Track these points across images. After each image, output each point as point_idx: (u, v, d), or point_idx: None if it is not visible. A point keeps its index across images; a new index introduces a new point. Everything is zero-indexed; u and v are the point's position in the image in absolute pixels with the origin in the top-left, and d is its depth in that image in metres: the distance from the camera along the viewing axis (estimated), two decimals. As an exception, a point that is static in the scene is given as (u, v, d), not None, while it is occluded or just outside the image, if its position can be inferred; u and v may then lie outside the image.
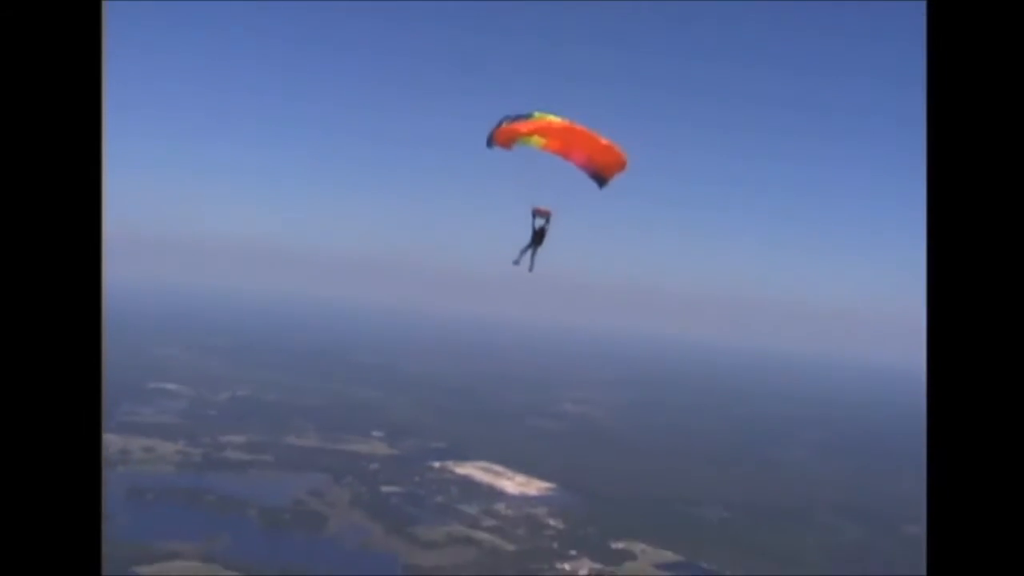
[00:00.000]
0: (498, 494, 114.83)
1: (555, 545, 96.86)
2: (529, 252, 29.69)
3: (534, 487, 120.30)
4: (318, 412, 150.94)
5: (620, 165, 28.27)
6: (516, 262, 29.89)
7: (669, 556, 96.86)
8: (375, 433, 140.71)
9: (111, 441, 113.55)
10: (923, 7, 13.74)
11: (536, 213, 29.19)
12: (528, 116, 27.79)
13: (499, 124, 28.13)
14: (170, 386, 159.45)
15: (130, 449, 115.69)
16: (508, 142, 28.05)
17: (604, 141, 28.01)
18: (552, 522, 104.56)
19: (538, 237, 29.49)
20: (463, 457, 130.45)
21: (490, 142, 28.28)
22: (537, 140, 27.88)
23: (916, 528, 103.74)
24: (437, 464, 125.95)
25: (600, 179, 28.74)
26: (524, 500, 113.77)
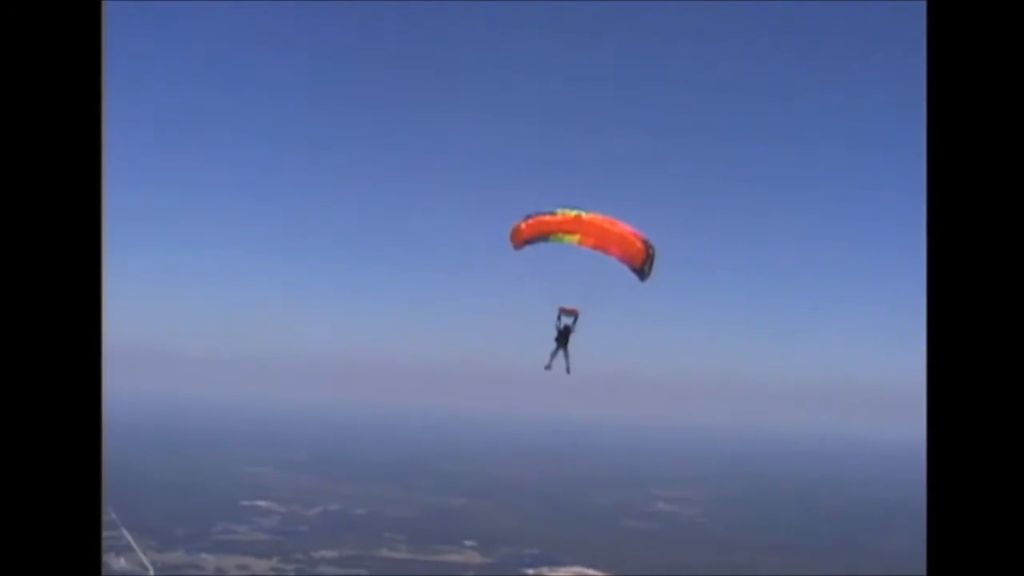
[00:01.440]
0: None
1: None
2: (561, 354, 29.06)
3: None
4: (408, 523, 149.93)
5: (641, 253, 27.52)
6: (548, 367, 29.18)
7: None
8: (467, 542, 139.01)
9: (207, 561, 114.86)
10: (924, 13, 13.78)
11: (562, 312, 28.67)
12: (551, 212, 27.74)
13: (524, 220, 27.87)
14: (262, 503, 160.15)
15: (224, 567, 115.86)
16: (534, 237, 27.89)
17: (630, 229, 27.72)
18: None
19: (563, 337, 28.87)
20: (557, 563, 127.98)
21: (517, 240, 28.24)
22: (571, 237, 27.67)
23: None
24: (532, 572, 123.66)
25: (637, 271, 27.99)
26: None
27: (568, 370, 29.09)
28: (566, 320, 28.84)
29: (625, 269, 28.10)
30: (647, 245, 27.72)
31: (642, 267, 27.83)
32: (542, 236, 27.89)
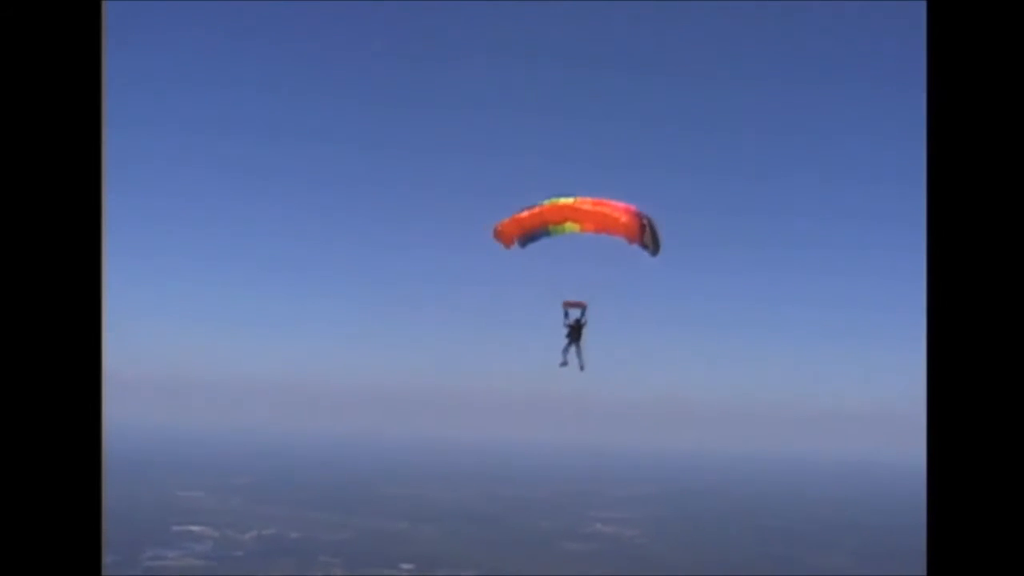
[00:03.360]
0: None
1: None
2: (573, 349, 28.06)
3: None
4: (345, 547, 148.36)
5: (635, 227, 26.27)
6: (563, 363, 28.11)
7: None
8: (404, 565, 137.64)
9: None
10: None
11: (568, 307, 27.83)
12: (540, 204, 26.67)
13: (514, 215, 26.94)
14: (195, 528, 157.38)
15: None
16: (532, 231, 26.83)
17: (621, 204, 26.58)
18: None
19: (575, 332, 27.90)
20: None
21: (509, 236, 27.03)
22: (572, 226, 26.68)
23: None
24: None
25: (643, 247, 26.83)
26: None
27: (582, 367, 28.15)
28: (575, 314, 28.02)
29: (629, 249, 27.01)
30: (640, 216, 26.70)
31: (643, 241, 26.82)
32: (541, 228, 27.08)
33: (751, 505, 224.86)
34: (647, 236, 26.66)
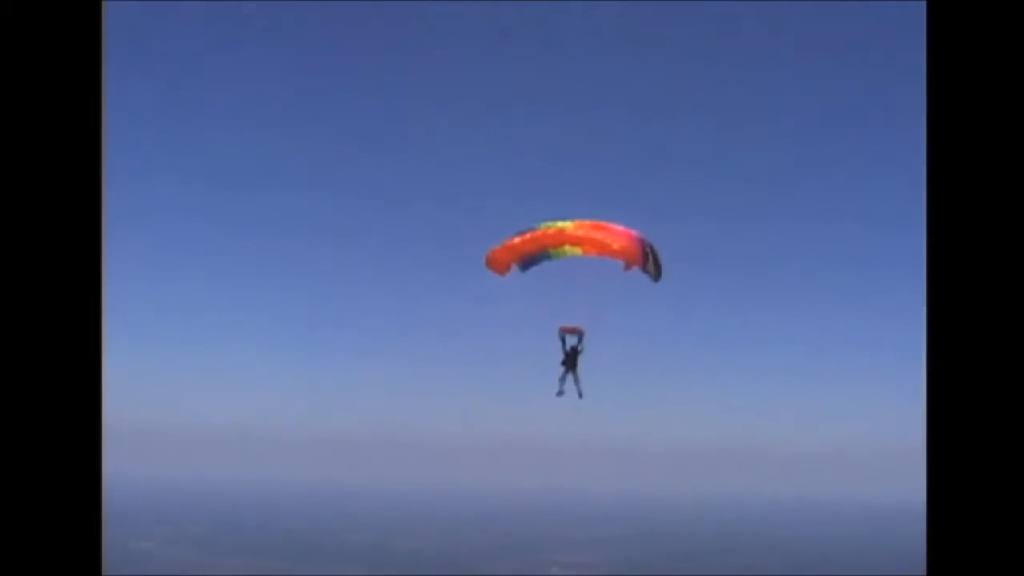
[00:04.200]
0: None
1: None
2: (570, 377, 27.35)
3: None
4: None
5: (638, 253, 25.69)
6: (560, 392, 27.36)
7: None
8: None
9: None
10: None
11: (564, 333, 27.12)
12: (538, 227, 25.91)
13: (511, 239, 26.04)
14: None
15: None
16: (532, 255, 26.05)
17: (622, 229, 25.97)
18: None
19: (571, 359, 27.22)
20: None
21: (505, 261, 26.25)
22: (573, 250, 25.88)
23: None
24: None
25: (645, 272, 26.31)
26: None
27: (580, 395, 27.43)
28: (571, 341, 27.41)
29: (627, 274, 26.43)
30: (642, 242, 26.21)
31: (646, 267, 26.29)
32: (540, 253, 26.36)
33: (716, 547, 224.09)
34: (650, 262, 26.32)
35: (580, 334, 27.22)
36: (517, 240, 26.16)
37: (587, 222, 26.12)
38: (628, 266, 26.27)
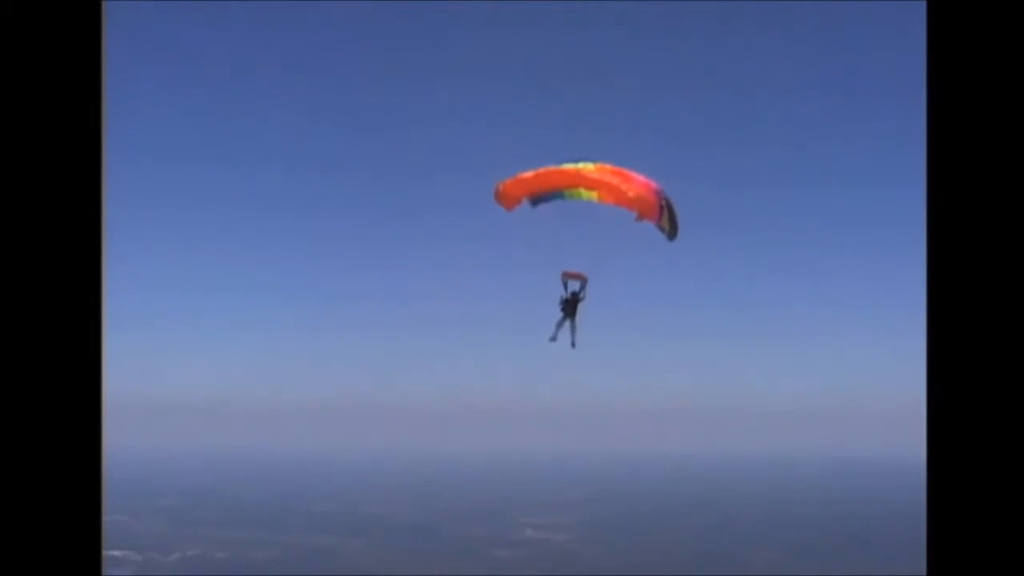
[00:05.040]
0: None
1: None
2: (567, 326, 26.38)
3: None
4: (273, 564, 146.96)
5: (655, 207, 24.51)
6: (553, 338, 26.39)
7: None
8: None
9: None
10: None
11: (567, 278, 26.08)
12: (558, 166, 24.49)
13: (521, 174, 24.75)
14: (117, 552, 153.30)
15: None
16: (543, 193, 24.75)
17: (643, 179, 24.69)
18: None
19: (571, 306, 26.24)
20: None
21: (515, 195, 25.11)
22: (589, 194, 24.64)
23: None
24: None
25: (659, 228, 25.24)
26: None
27: (573, 344, 26.28)
28: (572, 287, 26.27)
29: (642, 226, 25.19)
30: (659, 195, 24.82)
31: (660, 222, 25.06)
32: (554, 191, 24.93)
33: (682, 504, 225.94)
34: (665, 217, 25.19)
35: (583, 280, 26.24)
36: (531, 174, 24.88)
37: (608, 166, 24.80)
38: (640, 217, 25.16)
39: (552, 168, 24.85)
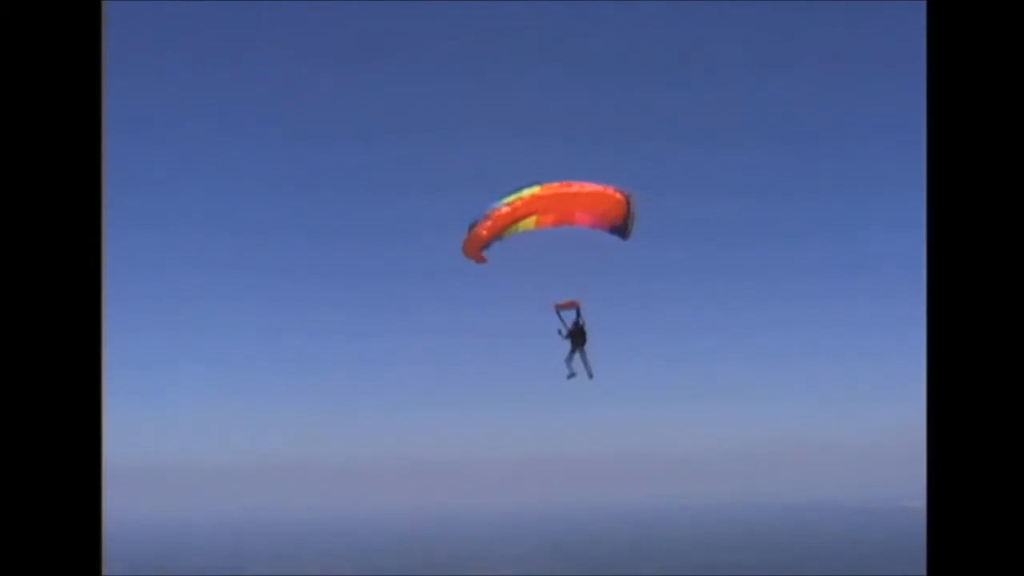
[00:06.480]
0: None
1: None
2: (577, 357, 25.53)
3: None
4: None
5: (621, 206, 23.97)
6: (571, 375, 25.48)
7: None
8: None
9: None
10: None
11: (559, 310, 25.36)
12: (497, 208, 23.74)
13: (475, 226, 23.99)
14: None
15: None
16: (492, 240, 24.02)
17: (594, 186, 24.01)
18: None
19: (579, 336, 25.44)
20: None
21: (475, 249, 24.28)
22: (526, 223, 23.91)
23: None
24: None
25: (619, 229, 24.58)
26: None
27: (591, 375, 25.38)
28: (569, 317, 25.66)
29: (597, 235, 24.59)
30: (624, 194, 24.24)
31: (625, 223, 24.44)
32: (497, 236, 24.20)
33: (630, 555, 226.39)
34: (630, 219, 24.62)
35: (577, 307, 25.44)
36: (481, 226, 24.10)
37: (554, 184, 23.89)
38: (617, 229, 24.70)
39: (501, 209, 24.08)
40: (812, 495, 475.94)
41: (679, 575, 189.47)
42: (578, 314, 25.43)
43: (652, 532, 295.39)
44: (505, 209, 23.89)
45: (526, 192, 23.98)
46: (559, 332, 25.65)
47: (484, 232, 23.88)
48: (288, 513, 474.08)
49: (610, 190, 24.30)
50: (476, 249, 24.12)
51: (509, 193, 24.27)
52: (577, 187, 24.04)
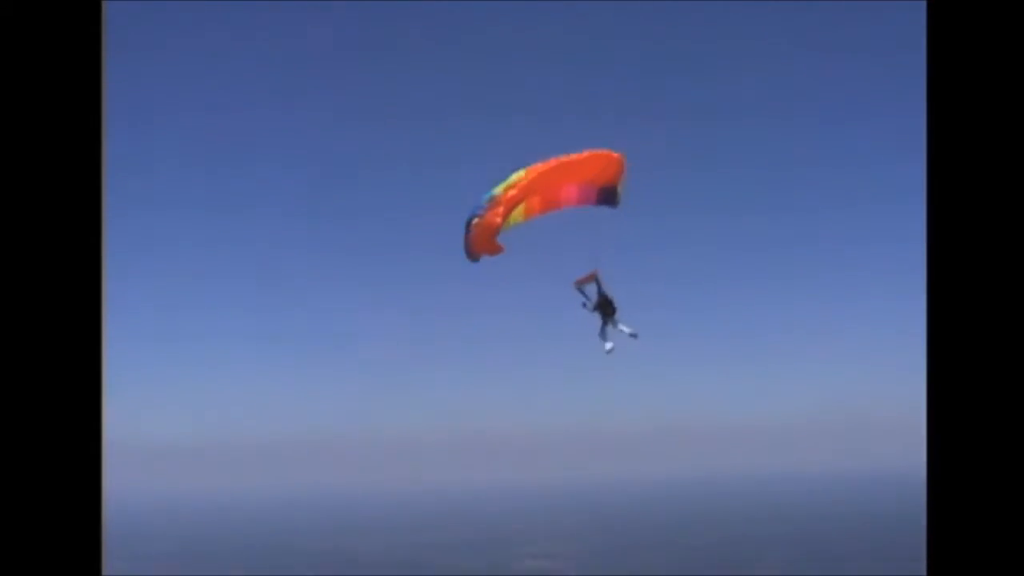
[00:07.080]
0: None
1: None
2: (611, 327, 25.01)
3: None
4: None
5: (614, 164, 23.38)
6: (609, 349, 24.91)
7: None
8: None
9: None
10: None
11: (580, 285, 24.97)
12: (488, 199, 23.06)
13: (468, 228, 23.28)
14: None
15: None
16: (495, 234, 23.19)
17: (582, 155, 23.33)
18: None
19: (605, 307, 24.96)
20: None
21: (489, 242, 23.52)
22: (518, 213, 23.33)
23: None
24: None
25: (608, 197, 24.00)
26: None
27: (635, 335, 24.73)
28: (592, 290, 25.02)
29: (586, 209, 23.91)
30: (618, 153, 23.61)
31: (616, 185, 23.77)
32: (496, 230, 23.30)
33: (677, 526, 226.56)
34: (608, 193, 23.93)
35: (597, 278, 24.94)
36: (481, 219, 23.28)
37: (538, 165, 23.29)
38: (605, 195, 24.09)
39: (508, 193, 23.21)
40: (853, 465, 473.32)
41: (739, 545, 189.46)
42: (599, 284, 24.92)
43: (712, 501, 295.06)
44: (513, 192, 23.14)
45: (513, 178, 23.30)
46: (583, 306, 25.18)
47: (498, 219, 23.01)
48: (340, 489, 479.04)
49: (602, 151, 23.56)
50: (491, 239, 23.26)
51: (496, 183, 23.39)
52: (564, 157, 23.35)
